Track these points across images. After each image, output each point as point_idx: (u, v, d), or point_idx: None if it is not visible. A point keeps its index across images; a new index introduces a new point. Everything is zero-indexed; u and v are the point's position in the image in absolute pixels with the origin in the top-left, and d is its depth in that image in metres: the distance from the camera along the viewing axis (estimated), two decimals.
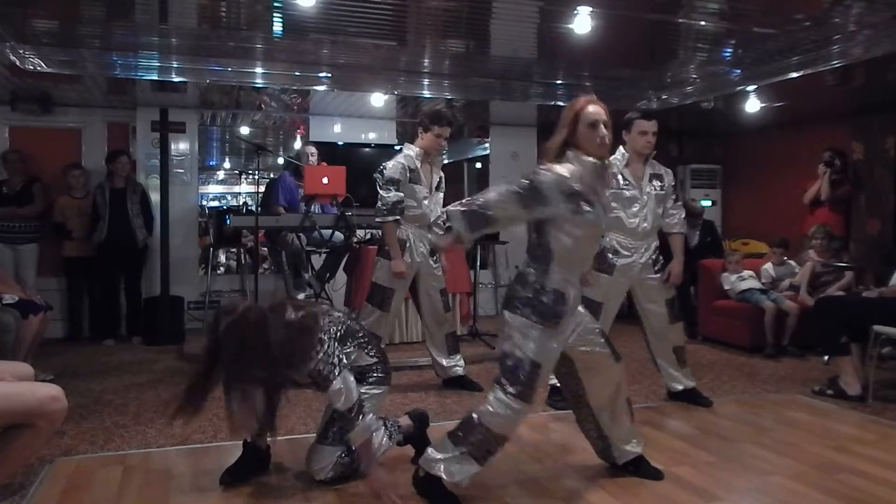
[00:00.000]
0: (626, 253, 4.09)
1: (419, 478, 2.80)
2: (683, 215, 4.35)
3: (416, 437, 3.24)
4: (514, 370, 2.64)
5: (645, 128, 4.06)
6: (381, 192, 4.41)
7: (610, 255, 4.05)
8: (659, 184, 4.16)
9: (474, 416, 2.70)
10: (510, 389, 2.63)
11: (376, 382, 3.09)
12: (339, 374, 2.82)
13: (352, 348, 3.02)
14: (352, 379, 2.87)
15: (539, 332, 2.64)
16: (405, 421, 3.22)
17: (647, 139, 4.06)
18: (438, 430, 3.57)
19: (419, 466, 2.81)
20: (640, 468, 3.09)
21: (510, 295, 2.73)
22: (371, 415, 2.90)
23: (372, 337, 3.26)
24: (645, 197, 4.09)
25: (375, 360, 3.11)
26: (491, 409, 2.66)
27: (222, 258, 8.18)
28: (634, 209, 4.07)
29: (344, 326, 3.02)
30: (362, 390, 2.99)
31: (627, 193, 4.05)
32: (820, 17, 4.33)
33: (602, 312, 3.95)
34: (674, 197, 4.28)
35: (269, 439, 3.11)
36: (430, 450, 2.80)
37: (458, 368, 4.70)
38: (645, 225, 4.08)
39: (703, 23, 4.55)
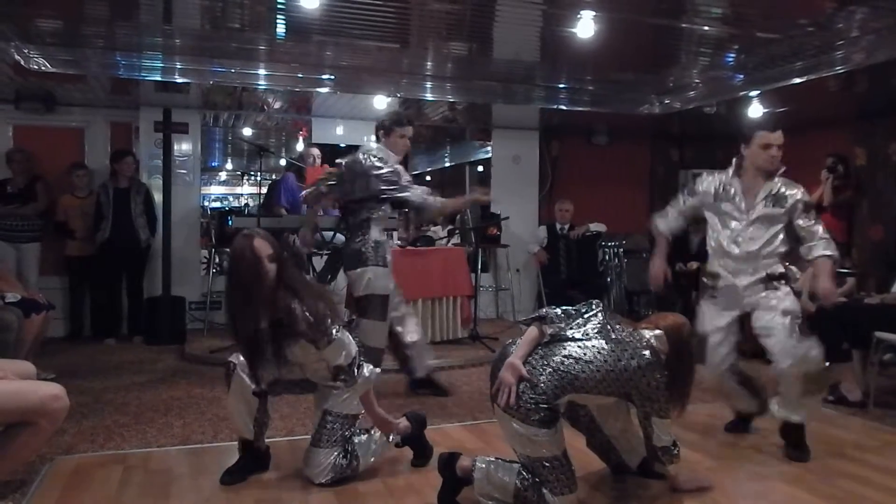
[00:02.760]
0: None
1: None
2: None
3: (414, 438, 3.24)
4: (549, 475, 2.56)
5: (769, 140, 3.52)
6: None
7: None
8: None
9: None
10: (558, 493, 2.56)
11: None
12: (339, 329, 2.88)
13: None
14: (349, 335, 2.94)
15: (545, 435, 2.56)
16: (403, 423, 3.22)
17: (770, 153, 3.52)
18: (437, 432, 3.59)
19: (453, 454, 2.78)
20: (646, 470, 3.08)
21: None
22: (368, 365, 2.97)
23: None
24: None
25: (360, 347, 3.13)
26: None
27: (217, 260, 8.11)
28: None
29: None
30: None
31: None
32: (823, 23, 4.33)
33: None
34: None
35: (266, 441, 3.13)
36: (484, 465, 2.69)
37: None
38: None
39: (706, 27, 4.55)
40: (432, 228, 9.05)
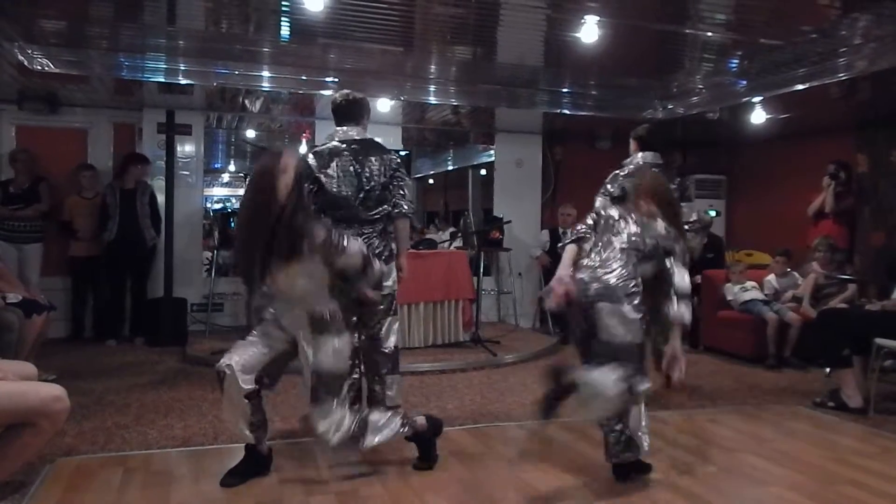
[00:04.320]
0: None
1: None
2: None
3: (425, 439, 3.24)
4: (639, 361, 2.95)
5: None
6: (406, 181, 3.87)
7: None
8: None
9: None
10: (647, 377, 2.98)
11: None
12: (346, 237, 2.91)
13: None
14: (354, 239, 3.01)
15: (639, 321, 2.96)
16: (421, 420, 3.23)
17: None
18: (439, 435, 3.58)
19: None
20: (642, 468, 3.12)
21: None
22: (357, 241, 3.04)
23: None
24: None
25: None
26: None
27: (220, 262, 8.10)
28: None
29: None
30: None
31: None
32: (826, 30, 4.34)
33: None
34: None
35: (267, 442, 3.13)
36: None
37: None
38: None
39: (709, 33, 4.57)
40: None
